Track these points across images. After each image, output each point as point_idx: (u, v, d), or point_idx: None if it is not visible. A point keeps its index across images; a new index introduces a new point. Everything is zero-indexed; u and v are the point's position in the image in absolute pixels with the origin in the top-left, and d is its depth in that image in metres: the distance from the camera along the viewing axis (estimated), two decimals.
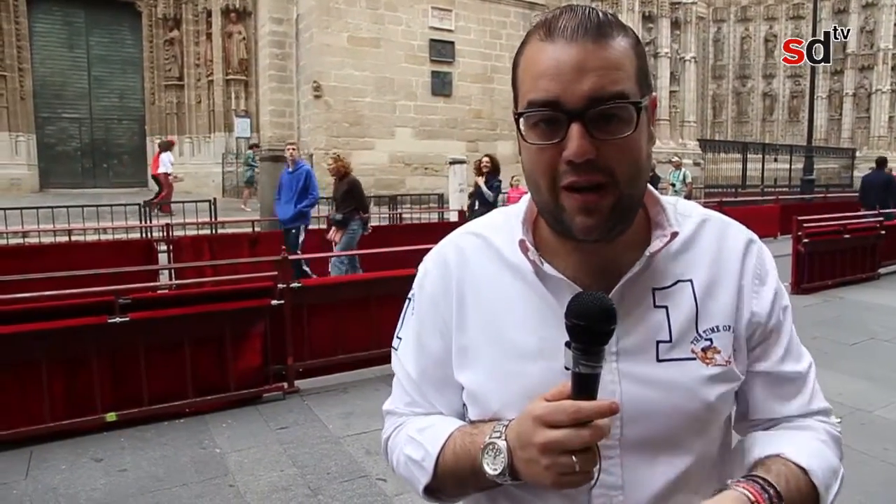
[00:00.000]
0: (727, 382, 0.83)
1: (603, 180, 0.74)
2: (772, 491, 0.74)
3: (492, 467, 0.76)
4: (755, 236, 0.91)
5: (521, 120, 0.77)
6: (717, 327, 0.83)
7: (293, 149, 7.95)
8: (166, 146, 15.43)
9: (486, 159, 8.86)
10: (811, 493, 0.78)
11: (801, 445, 0.82)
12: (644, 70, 0.78)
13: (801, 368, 0.89)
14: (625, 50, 0.76)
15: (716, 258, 0.86)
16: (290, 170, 7.85)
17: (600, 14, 0.76)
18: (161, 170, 14.74)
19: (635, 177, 0.77)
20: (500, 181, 8.61)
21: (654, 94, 0.81)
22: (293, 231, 7.68)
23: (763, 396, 0.88)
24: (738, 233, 0.90)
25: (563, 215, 0.77)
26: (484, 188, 8.68)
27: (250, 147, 16.10)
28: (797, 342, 0.90)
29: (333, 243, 7.59)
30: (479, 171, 8.89)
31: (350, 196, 7.46)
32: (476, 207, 8.70)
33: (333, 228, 7.53)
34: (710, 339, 0.83)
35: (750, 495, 0.73)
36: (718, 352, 0.83)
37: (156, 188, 15.18)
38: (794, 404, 0.87)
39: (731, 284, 0.85)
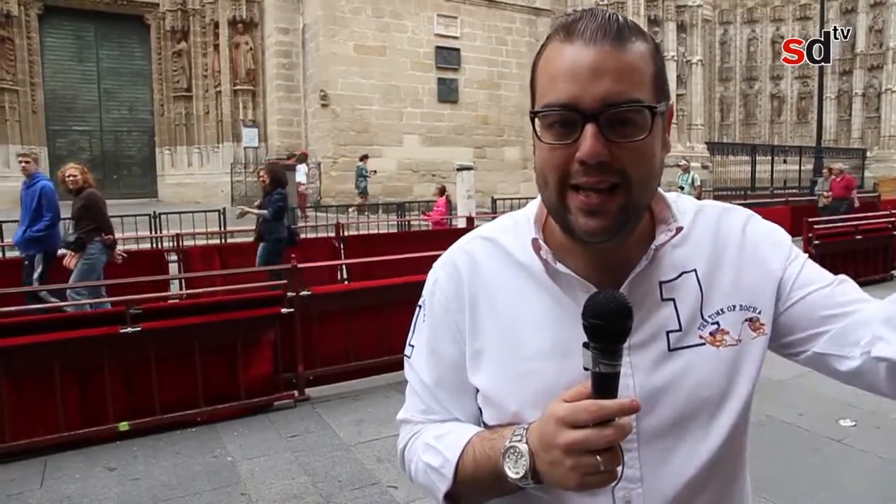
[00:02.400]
0: (741, 362, 0.84)
1: (617, 181, 0.75)
2: None
3: (514, 471, 0.75)
4: (753, 212, 0.92)
5: (538, 120, 0.78)
6: (723, 309, 0.84)
7: (26, 160, 6.41)
8: (302, 158, 15.95)
9: (262, 174, 7.66)
10: None
11: None
12: (661, 77, 0.79)
13: (842, 276, 0.87)
14: (643, 55, 0.76)
15: (715, 242, 0.87)
16: (27, 184, 6.37)
17: (620, 18, 0.77)
18: (297, 179, 15.37)
19: (647, 182, 0.77)
20: (280, 193, 7.29)
21: (671, 102, 0.81)
22: (26, 261, 6.29)
23: (825, 309, 0.84)
24: (735, 213, 0.91)
25: (567, 215, 0.78)
26: (252, 210, 7.57)
27: (361, 159, 16.42)
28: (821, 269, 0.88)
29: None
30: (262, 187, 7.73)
31: (87, 213, 6.09)
32: (262, 221, 7.45)
33: (69, 253, 6.06)
34: (717, 322, 0.84)
35: None
36: (727, 333, 0.84)
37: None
38: (857, 294, 0.84)
39: (737, 263, 0.86)
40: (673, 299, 0.84)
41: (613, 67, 0.73)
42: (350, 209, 15.07)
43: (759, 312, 0.85)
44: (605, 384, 0.70)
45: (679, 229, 0.84)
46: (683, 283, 0.84)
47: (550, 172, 0.77)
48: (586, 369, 0.71)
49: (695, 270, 0.85)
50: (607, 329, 0.70)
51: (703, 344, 0.83)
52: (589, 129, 0.73)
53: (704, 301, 0.84)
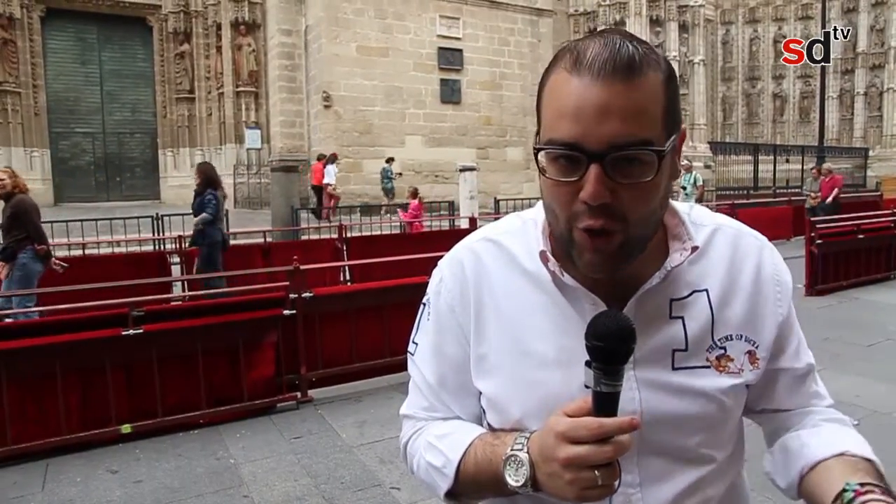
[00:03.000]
0: (740, 390, 0.86)
1: (615, 226, 0.74)
2: (883, 488, 0.76)
3: (514, 479, 0.77)
4: (767, 241, 0.92)
5: (542, 153, 0.76)
6: (731, 336, 0.85)
7: None
8: (332, 160, 16.13)
9: (195, 177, 7.43)
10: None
11: (855, 440, 0.86)
12: (673, 108, 0.76)
13: (811, 360, 0.94)
14: (654, 90, 0.73)
15: (730, 267, 0.86)
16: None
17: (631, 47, 0.73)
18: (326, 180, 15.67)
19: (648, 219, 0.77)
20: (212, 194, 6.98)
21: (683, 128, 0.80)
22: None
23: (785, 390, 0.91)
24: (751, 240, 0.90)
25: (572, 249, 0.78)
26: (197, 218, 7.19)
27: (387, 161, 16.64)
28: (803, 336, 0.95)
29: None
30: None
31: (16, 222, 5.78)
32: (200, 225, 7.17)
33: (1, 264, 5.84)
34: (724, 348, 0.84)
35: None
36: (731, 360, 0.84)
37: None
38: (812, 394, 0.93)
39: (748, 293, 0.86)
40: (682, 318, 0.83)
41: (621, 107, 0.71)
42: (381, 209, 15.38)
43: (757, 347, 0.86)
44: (605, 403, 0.71)
45: (695, 249, 0.83)
46: (694, 303, 0.84)
47: (559, 210, 0.77)
48: (588, 387, 0.72)
49: (706, 291, 0.85)
50: (609, 350, 0.70)
51: (709, 367, 0.83)
52: (593, 171, 0.71)
53: (715, 323, 0.84)
